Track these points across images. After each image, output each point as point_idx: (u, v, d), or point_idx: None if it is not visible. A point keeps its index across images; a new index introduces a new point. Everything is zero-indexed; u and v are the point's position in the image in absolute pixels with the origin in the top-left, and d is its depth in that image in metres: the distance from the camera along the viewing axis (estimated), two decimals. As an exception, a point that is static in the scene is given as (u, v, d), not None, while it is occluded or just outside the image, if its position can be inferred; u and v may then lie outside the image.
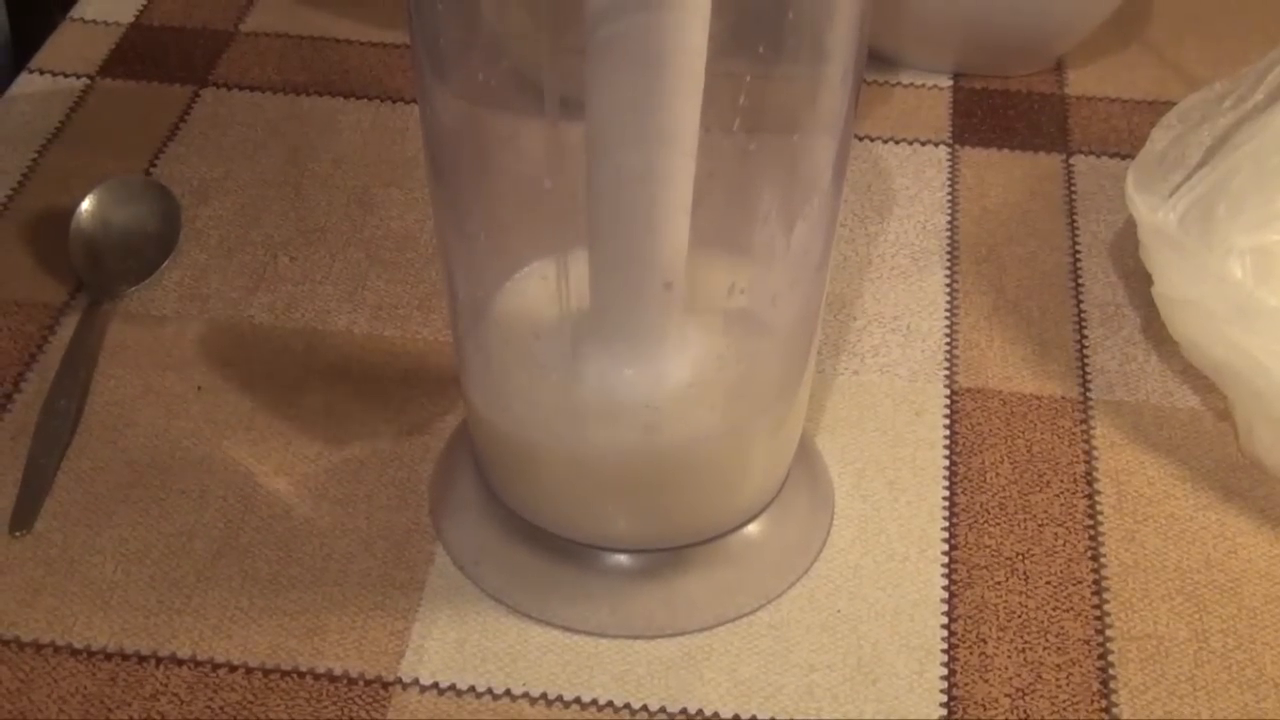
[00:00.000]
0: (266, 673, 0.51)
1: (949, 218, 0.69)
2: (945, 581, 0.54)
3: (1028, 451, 0.59)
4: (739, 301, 0.50)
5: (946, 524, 0.56)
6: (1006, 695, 0.51)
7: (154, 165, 0.71)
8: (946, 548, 0.56)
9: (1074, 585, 0.54)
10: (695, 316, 0.49)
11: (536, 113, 0.43)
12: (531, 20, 0.43)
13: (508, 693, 0.51)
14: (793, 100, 0.46)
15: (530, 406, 0.50)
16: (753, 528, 0.55)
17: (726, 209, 0.48)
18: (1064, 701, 0.51)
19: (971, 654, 0.52)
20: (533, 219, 0.49)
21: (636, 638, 0.53)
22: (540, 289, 0.50)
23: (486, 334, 0.52)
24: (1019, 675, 0.52)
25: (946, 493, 0.57)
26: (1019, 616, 0.53)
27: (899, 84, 0.77)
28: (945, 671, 0.52)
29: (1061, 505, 0.57)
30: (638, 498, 0.52)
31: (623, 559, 0.54)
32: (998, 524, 0.56)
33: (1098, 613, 0.54)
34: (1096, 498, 0.57)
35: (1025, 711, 0.51)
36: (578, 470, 0.51)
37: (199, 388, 0.61)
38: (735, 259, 0.50)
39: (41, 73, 0.77)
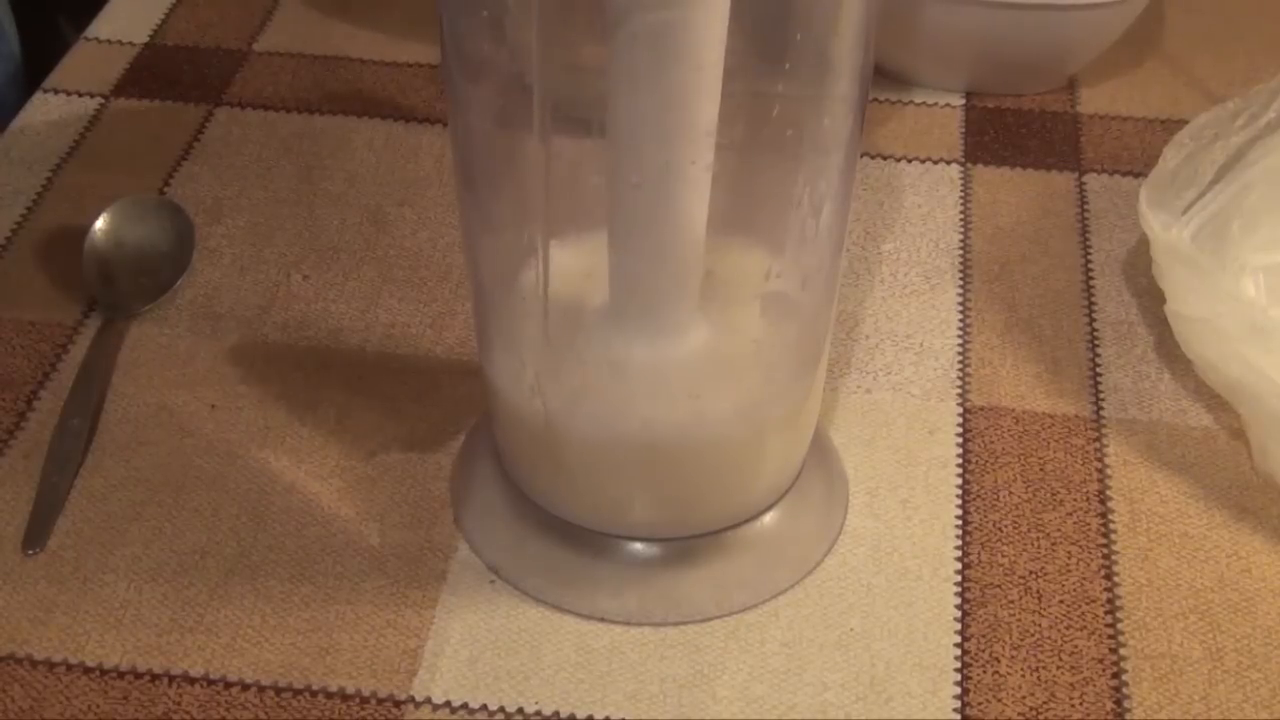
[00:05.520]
0: (279, 691, 0.51)
1: (961, 236, 0.69)
2: (958, 600, 0.54)
3: (1041, 470, 0.59)
4: (775, 285, 0.51)
5: (960, 542, 0.56)
6: (1020, 714, 0.51)
7: (168, 184, 0.72)
8: (960, 566, 0.55)
9: (1087, 604, 0.54)
10: (722, 305, 0.50)
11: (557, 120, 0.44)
12: (545, 37, 0.43)
13: (520, 711, 0.51)
14: (799, 112, 0.47)
15: (558, 389, 0.51)
16: (771, 515, 0.55)
17: (740, 197, 0.49)
18: (1078, 721, 0.51)
19: (985, 673, 0.52)
20: (558, 207, 0.50)
21: (661, 624, 0.53)
22: (565, 274, 0.51)
23: (512, 320, 0.52)
24: (1032, 694, 0.52)
25: (959, 511, 0.57)
26: (1032, 635, 0.53)
27: (911, 103, 0.77)
28: (958, 690, 0.52)
29: (1075, 524, 0.57)
30: (663, 482, 0.53)
31: (644, 547, 0.54)
32: (1011, 543, 0.56)
33: (1111, 631, 0.53)
34: (1110, 516, 0.57)
35: (1039, 731, 0.51)
36: (604, 454, 0.52)
37: (212, 406, 0.61)
38: (762, 249, 0.51)
39: (56, 92, 0.77)
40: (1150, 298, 0.65)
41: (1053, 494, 0.58)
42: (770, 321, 0.52)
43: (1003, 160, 0.74)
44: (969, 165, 0.73)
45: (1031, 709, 0.51)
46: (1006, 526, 0.57)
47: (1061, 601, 0.54)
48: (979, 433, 0.60)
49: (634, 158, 0.44)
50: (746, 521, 0.55)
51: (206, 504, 0.57)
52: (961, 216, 0.70)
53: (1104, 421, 0.61)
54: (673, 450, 0.51)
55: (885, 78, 0.78)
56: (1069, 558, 0.56)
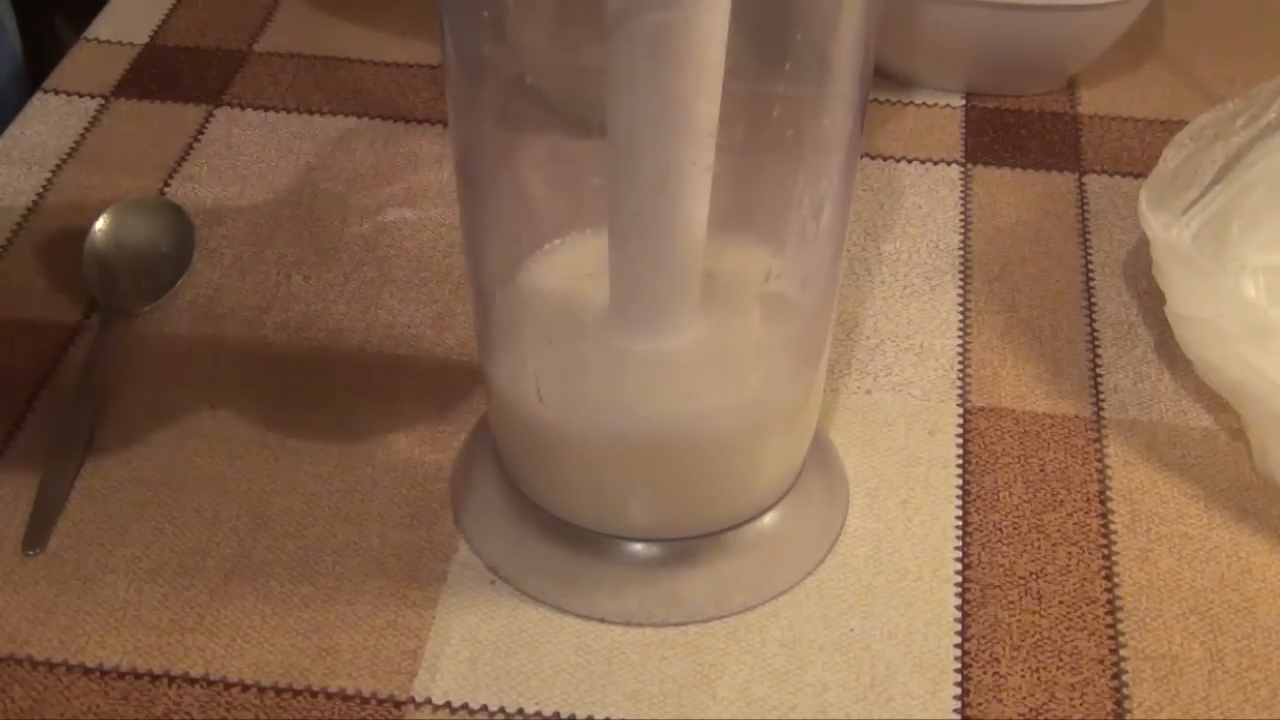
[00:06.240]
0: (279, 692, 0.51)
1: (961, 236, 0.69)
2: (958, 601, 0.54)
3: (1041, 471, 0.59)
4: (775, 286, 0.51)
5: (960, 543, 0.56)
6: (1020, 715, 0.51)
7: (168, 185, 0.72)
8: (960, 567, 0.55)
9: (1088, 605, 0.54)
10: (722, 305, 0.50)
11: (558, 120, 0.44)
12: (549, 37, 0.43)
13: (520, 711, 0.51)
14: (799, 112, 0.47)
15: (558, 389, 0.51)
16: (772, 516, 0.55)
17: (740, 198, 0.49)
18: (1078, 721, 0.51)
19: (985, 674, 0.52)
20: (559, 207, 0.50)
21: (662, 625, 0.53)
22: (567, 273, 0.51)
23: (512, 320, 0.52)
24: (1033, 695, 0.52)
25: (960, 512, 0.57)
26: (1032, 636, 0.53)
27: (911, 103, 0.77)
28: (959, 691, 0.52)
29: (1075, 524, 0.57)
30: (663, 482, 0.53)
31: (645, 548, 0.54)
32: (1011, 543, 0.56)
33: (1111, 632, 0.53)
34: (1110, 517, 0.57)
35: (1039, 731, 0.51)
36: (604, 454, 0.52)
37: (212, 407, 0.61)
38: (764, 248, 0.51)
39: (56, 93, 0.77)
40: (1150, 298, 0.65)
41: (1053, 495, 0.58)
42: (770, 322, 0.52)
43: (1003, 161, 0.74)
44: (969, 166, 0.73)
45: (1031, 709, 0.51)
46: (1006, 527, 0.57)
47: (1061, 602, 0.54)
48: (979, 433, 0.60)
49: (634, 158, 0.44)
50: (747, 522, 0.55)
51: (207, 504, 0.57)
52: (961, 217, 0.70)
53: (1104, 422, 0.61)
54: (673, 450, 0.51)
55: (885, 78, 0.78)
56: (1069, 558, 0.56)
